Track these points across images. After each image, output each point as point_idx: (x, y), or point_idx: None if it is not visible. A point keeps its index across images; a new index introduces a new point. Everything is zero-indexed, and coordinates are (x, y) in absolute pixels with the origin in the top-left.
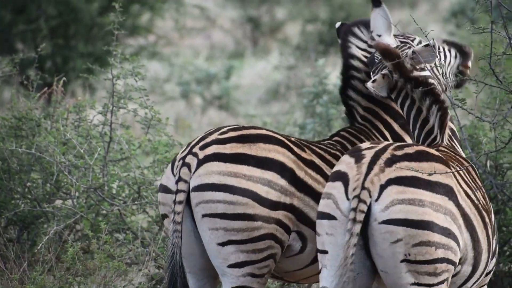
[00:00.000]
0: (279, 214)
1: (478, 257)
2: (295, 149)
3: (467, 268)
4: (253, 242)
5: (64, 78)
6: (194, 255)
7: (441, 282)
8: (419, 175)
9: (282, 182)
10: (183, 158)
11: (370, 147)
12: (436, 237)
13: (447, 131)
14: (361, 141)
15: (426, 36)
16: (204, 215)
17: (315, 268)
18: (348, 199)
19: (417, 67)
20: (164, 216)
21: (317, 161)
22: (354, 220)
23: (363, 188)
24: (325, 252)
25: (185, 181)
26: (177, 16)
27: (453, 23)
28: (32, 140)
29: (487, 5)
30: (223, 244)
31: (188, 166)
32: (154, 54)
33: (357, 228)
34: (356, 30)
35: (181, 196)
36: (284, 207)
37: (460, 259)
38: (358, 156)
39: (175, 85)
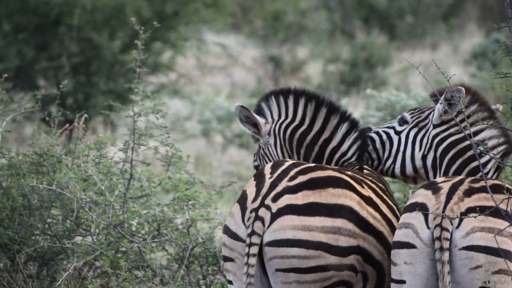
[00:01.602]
0: (350, 259)
1: None
2: (358, 187)
3: None
4: None
5: (85, 115)
6: None
7: None
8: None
9: (350, 226)
10: (256, 210)
11: (446, 180)
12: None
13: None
14: (380, 177)
15: (448, 80)
16: (277, 270)
17: None
18: (428, 227)
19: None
20: (228, 259)
21: (374, 197)
22: (441, 249)
23: (443, 217)
24: (402, 282)
25: (259, 235)
26: (199, 54)
27: (474, 65)
28: (53, 176)
29: (509, 48)
30: None
31: (262, 220)
32: (176, 91)
33: (447, 256)
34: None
35: (254, 250)
36: (353, 251)
37: None
38: (435, 188)
39: (196, 123)
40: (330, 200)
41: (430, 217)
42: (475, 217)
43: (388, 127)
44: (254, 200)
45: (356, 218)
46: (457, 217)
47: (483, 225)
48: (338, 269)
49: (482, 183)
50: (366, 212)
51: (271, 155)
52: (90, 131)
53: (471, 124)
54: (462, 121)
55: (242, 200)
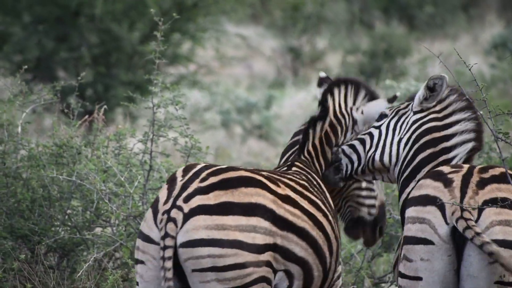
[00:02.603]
0: (267, 256)
1: None
2: (272, 186)
3: None
4: (247, 286)
5: (105, 106)
6: None
7: None
8: (510, 196)
9: (266, 224)
10: (168, 212)
11: (454, 170)
12: None
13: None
14: (309, 174)
15: (470, 70)
16: (194, 270)
17: None
18: (447, 223)
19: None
20: (139, 261)
21: (292, 194)
22: (477, 234)
23: (462, 210)
24: (418, 278)
25: (172, 237)
26: (218, 45)
27: (494, 55)
28: (73, 168)
29: None
30: None
31: (174, 221)
32: (195, 83)
33: (486, 237)
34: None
35: (169, 252)
36: (270, 248)
37: None
38: (445, 180)
39: (216, 114)
40: (243, 199)
41: (448, 212)
42: (497, 206)
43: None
44: (166, 202)
45: (272, 216)
46: (477, 207)
47: (500, 218)
48: (256, 265)
49: (490, 172)
50: (283, 209)
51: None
52: (110, 123)
53: (449, 115)
54: (442, 110)
55: (154, 204)
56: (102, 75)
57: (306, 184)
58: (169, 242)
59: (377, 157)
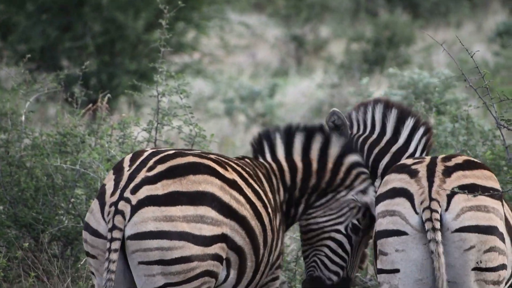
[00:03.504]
0: (214, 248)
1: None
2: (220, 170)
3: (508, 273)
4: (189, 282)
5: (109, 95)
6: None
7: None
8: (478, 182)
9: (213, 213)
10: (115, 204)
11: (416, 162)
12: (498, 242)
13: None
14: (259, 173)
15: (472, 57)
16: (140, 262)
17: None
18: (416, 213)
19: None
20: (90, 255)
21: (238, 180)
22: (434, 229)
23: (431, 199)
24: (395, 271)
25: (120, 230)
26: (222, 34)
27: (498, 43)
28: (77, 156)
29: None
30: None
31: (122, 213)
32: (199, 71)
33: (439, 235)
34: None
35: (116, 245)
36: (217, 239)
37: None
38: (410, 172)
39: (219, 102)
40: (191, 188)
41: (417, 202)
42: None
43: None
44: (113, 194)
45: (219, 205)
46: (456, 190)
47: (470, 204)
48: (201, 259)
49: (454, 161)
50: (229, 196)
51: None
52: (114, 111)
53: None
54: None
55: (100, 196)
56: (106, 64)
57: (251, 172)
58: (116, 234)
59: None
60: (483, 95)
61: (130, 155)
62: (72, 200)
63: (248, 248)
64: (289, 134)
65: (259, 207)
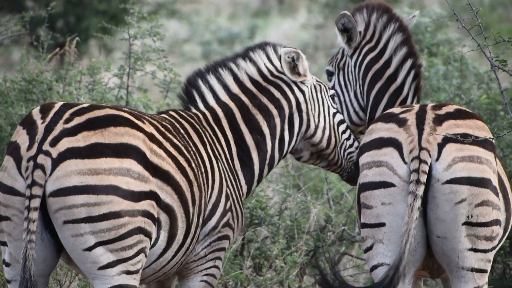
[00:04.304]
0: (143, 205)
1: (509, 218)
2: (139, 124)
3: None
4: (121, 239)
5: (77, 38)
6: (36, 260)
7: (494, 248)
8: (470, 131)
9: (139, 168)
10: (34, 158)
11: (404, 110)
12: (491, 196)
13: None
14: (187, 127)
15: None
16: (66, 222)
17: (159, 264)
18: (405, 162)
19: None
20: (4, 218)
21: (155, 133)
22: (417, 182)
23: (421, 148)
24: (381, 225)
25: (40, 186)
26: None
27: None
28: None
29: None
30: (90, 249)
31: (42, 168)
32: (173, 12)
33: (421, 190)
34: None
35: (36, 202)
36: (145, 196)
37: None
38: (398, 120)
39: (196, 45)
40: (114, 140)
41: (405, 150)
42: (465, 142)
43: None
44: (30, 147)
45: (143, 159)
46: (449, 135)
47: (463, 154)
48: (132, 214)
49: (444, 110)
50: (150, 151)
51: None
52: (83, 56)
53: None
54: (372, 36)
55: (13, 151)
56: (74, 5)
57: (169, 126)
58: (36, 191)
59: (347, 121)
60: (477, 34)
61: (37, 108)
62: None
63: (177, 205)
64: (212, 75)
65: (181, 162)
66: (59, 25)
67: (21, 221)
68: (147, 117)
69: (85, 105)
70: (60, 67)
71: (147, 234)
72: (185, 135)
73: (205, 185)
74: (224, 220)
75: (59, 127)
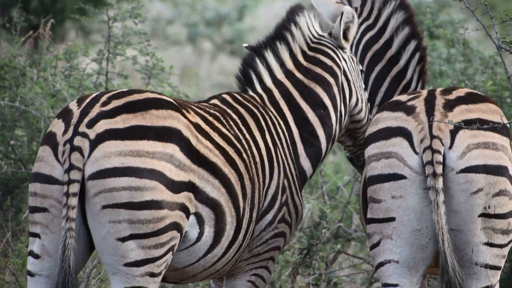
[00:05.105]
0: (181, 197)
1: None
2: (184, 111)
3: None
4: (157, 235)
5: (52, 20)
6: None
7: (510, 242)
8: (483, 116)
9: (181, 156)
10: (70, 141)
11: (411, 97)
12: (508, 186)
13: None
14: (242, 112)
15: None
16: (105, 206)
17: (209, 261)
18: (416, 153)
19: None
20: (38, 209)
21: (202, 123)
22: (434, 175)
23: (432, 137)
24: (390, 219)
25: (79, 169)
26: None
27: None
28: (16, 92)
29: None
30: (124, 239)
31: (79, 150)
32: None
33: (441, 182)
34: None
35: (75, 188)
36: (184, 187)
37: None
38: (406, 108)
39: (181, 27)
40: (156, 122)
41: (416, 140)
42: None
43: None
44: (65, 132)
45: (186, 146)
46: (455, 123)
47: (477, 140)
48: (171, 207)
49: (454, 94)
50: (196, 139)
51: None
52: (59, 39)
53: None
54: (370, 13)
55: (49, 139)
56: None
57: (218, 115)
58: (74, 175)
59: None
60: (482, 14)
61: (75, 100)
62: (12, 142)
63: (224, 199)
64: (270, 51)
65: (230, 153)
66: (33, 6)
67: (60, 212)
68: (192, 106)
69: (125, 89)
70: (34, 51)
71: (180, 230)
72: (239, 122)
73: (260, 176)
74: (280, 215)
75: (96, 109)
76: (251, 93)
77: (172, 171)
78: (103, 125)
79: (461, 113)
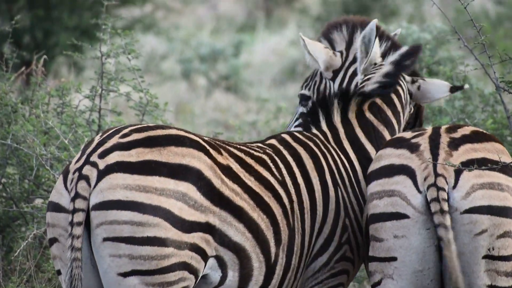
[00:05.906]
0: (194, 237)
1: None
2: (211, 151)
3: None
4: (162, 273)
5: (45, 56)
6: None
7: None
8: (489, 156)
9: (197, 195)
10: (79, 169)
11: (416, 134)
12: None
13: None
14: (301, 152)
15: (465, 8)
16: (105, 239)
17: None
18: (420, 192)
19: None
20: (52, 241)
21: (235, 166)
22: (441, 211)
23: (437, 175)
24: (392, 259)
25: (84, 198)
26: None
27: None
28: (8, 129)
29: None
30: (125, 275)
31: (87, 179)
32: (150, 26)
33: (448, 220)
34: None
35: (79, 217)
36: (199, 228)
37: None
38: (410, 146)
39: (175, 63)
40: (173, 159)
41: (419, 178)
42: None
43: (296, 124)
44: (78, 160)
45: (207, 186)
46: (452, 165)
47: (482, 181)
48: (178, 246)
49: (460, 132)
50: (220, 180)
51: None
52: (51, 75)
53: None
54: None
55: (65, 168)
56: (41, 19)
57: (264, 157)
58: (79, 204)
59: None
60: (480, 52)
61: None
62: (3, 180)
63: (250, 244)
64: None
65: (265, 198)
66: (25, 41)
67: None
68: (229, 147)
69: (151, 124)
70: (26, 88)
71: (193, 272)
72: (293, 165)
73: (308, 221)
74: (339, 254)
75: (113, 140)
76: (314, 130)
77: (184, 210)
78: (115, 157)
79: (466, 152)
